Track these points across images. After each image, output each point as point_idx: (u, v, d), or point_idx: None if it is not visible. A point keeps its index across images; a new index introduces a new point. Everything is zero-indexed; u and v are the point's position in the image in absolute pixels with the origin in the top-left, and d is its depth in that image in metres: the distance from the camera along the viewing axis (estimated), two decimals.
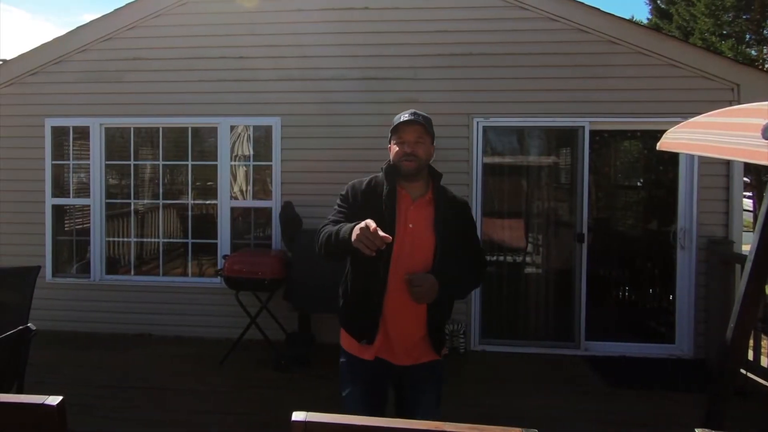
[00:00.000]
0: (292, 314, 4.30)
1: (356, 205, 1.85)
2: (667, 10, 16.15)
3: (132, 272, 4.87)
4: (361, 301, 1.85)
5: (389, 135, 1.90)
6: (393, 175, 1.86)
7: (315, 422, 0.96)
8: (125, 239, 4.91)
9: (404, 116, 1.84)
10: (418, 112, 1.86)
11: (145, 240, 4.96)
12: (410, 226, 1.81)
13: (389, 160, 1.90)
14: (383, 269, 1.78)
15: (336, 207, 1.91)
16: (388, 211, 1.80)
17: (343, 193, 1.92)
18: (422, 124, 1.83)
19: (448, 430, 0.91)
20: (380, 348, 1.83)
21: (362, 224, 1.56)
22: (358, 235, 1.56)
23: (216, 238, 4.66)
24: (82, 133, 4.80)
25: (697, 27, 13.29)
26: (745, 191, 6.86)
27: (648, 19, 17.50)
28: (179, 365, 4.02)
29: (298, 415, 0.96)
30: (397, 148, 1.85)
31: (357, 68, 4.47)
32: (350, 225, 1.66)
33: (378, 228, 1.54)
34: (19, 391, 2.47)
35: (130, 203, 4.87)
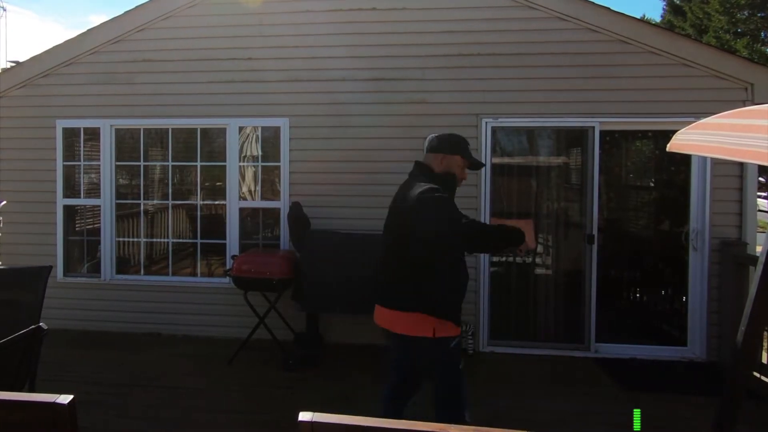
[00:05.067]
0: (301, 314, 4.31)
1: None
2: (681, 6, 15.99)
3: (142, 272, 4.91)
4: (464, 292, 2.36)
5: (455, 147, 2.33)
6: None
7: (321, 422, 0.96)
8: (135, 239, 4.95)
9: (481, 159, 2.41)
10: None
11: (154, 240, 5.00)
12: None
13: (446, 170, 2.31)
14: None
15: (451, 205, 2.23)
16: None
17: (445, 195, 2.20)
18: None
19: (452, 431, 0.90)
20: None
21: (529, 242, 2.20)
22: (522, 246, 2.19)
23: (225, 239, 4.69)
24: (93, 134, 4.85)
25: (711, 25, 13.13)
26: (759, 191, 6.75)
27: (662, 15, 17.34)
28: (188, 364, 4.05)
29: (304, 416, 0.96)
30: (462, 171, 2.38)
31: (365, 69, 4.47)
32: (517, 229, 2.16)
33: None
34: (31, 389, 2.51)
35: (139, 203, 4.91)
